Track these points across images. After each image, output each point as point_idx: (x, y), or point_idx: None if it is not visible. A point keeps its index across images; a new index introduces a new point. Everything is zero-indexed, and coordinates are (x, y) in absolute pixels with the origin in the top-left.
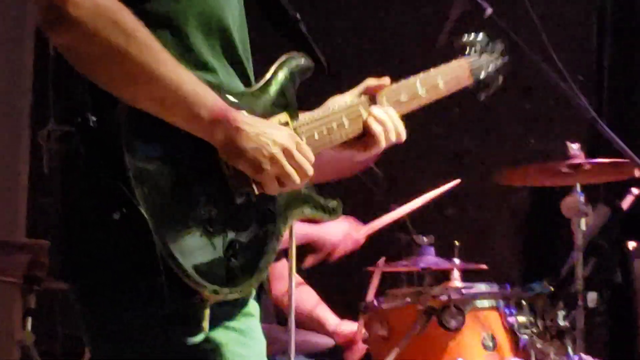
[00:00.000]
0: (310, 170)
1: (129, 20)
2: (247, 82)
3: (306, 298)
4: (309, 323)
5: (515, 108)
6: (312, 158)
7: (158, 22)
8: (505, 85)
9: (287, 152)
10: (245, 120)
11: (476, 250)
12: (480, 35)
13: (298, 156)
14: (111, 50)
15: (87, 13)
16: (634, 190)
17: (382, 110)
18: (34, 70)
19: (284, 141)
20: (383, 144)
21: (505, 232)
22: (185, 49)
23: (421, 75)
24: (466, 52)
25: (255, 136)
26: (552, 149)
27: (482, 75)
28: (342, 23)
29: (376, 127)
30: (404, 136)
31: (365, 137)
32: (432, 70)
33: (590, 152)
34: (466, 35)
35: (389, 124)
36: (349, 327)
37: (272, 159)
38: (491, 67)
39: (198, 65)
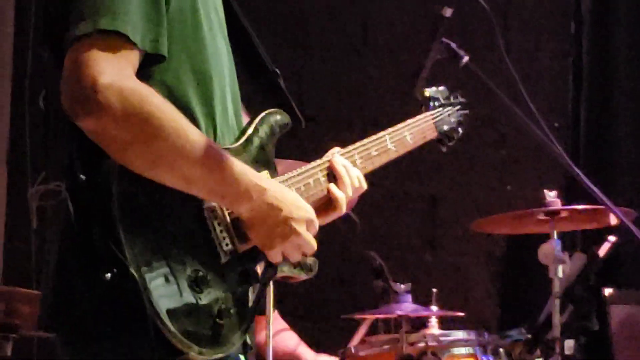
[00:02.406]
0: (313, 244)
1: (156, 102)
2: (237, 137)
3: (289, 338)
4: None
5: (491, 155)
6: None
7: (153, 83)
8: (482, 131)
9: (301, 237)
10: (273, 198)
11: (453, 297)
12: (441, 88)
13: (307, 236)
14: (141, 134)
15: (116, 99)
16: (611, 238)
17: (342, 165)
18: (10, 118)
19: (301, 228)
20: (344, 209)
21: (483, 278)
22: (180, 108)
23: (389, 130)
24: (430, 105)
25: (281, 219)
26: (528, 196)
27: (445, 128)
28: (319, 71)
29: (337, 193)
30: (364, 187)
31: (326, 203)
32: (399, 125)
33: (567, 200)
34: (428, 88)
35: (346, 179)
36: None
37: (285, 237)
38: (453, 120)
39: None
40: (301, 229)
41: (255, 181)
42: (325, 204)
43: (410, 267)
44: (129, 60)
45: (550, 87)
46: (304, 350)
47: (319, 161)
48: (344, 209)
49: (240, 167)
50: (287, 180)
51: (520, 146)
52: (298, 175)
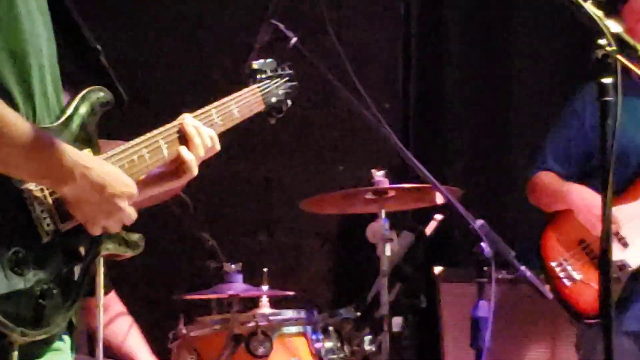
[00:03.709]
0: (134, 216)
1: None
2: (58, 116)
3: (123, 328)
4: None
5: (324, 136)
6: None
7: None
8: (314, 112)
9: (119, 209)
10: (96, 176)
11: (288, 277)
12: (269, 60)
13: (129, 210)
14: None
15: None
16: (437, 216)
17: (192, 126)
18: None
19: (120, 200)
20: (194, 171)
21: (316, 258)
22: None
23: (216, 104)
24: (257, 78)
25: (105, 197)
26: (361, 176)
27: (273, 100)
28: (152, 50)
29: (187, 155)
30: (217, 147)
31: (176, 166)
32: (225, 98)
33: (396, 180)
34: (255, 61)
35: (196, 140)
36: None
37: (109, 214)
38: (281, 92)
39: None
40: (123, 204)
41: (77, 160)
42: (176, 167)
43: (245, 248)
44: None
45: (381, 69)
46: (137, 345)
47: (168, 126)
48: (194, 170)
49: (62, 148)
50: (111, 157)
51: (352, 127)
52: (122, 152)
